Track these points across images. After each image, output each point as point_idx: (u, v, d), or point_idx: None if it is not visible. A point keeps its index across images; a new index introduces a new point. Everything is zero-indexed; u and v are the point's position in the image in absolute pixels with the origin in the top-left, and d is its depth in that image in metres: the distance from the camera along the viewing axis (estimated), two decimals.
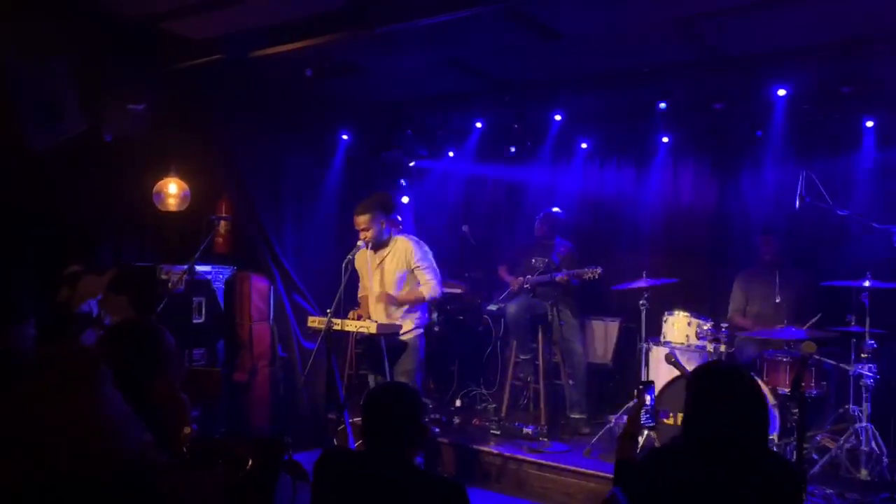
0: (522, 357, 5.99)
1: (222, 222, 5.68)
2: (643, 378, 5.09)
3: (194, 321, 5.23)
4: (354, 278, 4.84)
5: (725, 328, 4.93)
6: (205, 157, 5.65)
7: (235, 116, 5.68)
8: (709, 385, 2.12)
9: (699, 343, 4.97)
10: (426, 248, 4.70)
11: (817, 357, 4.45)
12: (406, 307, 4.57)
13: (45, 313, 4.11)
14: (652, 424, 2.75)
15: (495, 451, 5.02)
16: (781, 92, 5.26)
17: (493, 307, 6.30)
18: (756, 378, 2.19)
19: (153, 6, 4.54)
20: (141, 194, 5.36)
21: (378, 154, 7.13)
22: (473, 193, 7.55)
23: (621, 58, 5.21)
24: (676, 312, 5.14)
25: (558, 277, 5.62)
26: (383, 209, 4.58)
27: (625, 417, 5.01)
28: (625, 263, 5.81)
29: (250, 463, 2.34)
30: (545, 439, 5.17)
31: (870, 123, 5.42)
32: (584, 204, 6.85)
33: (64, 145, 4.73)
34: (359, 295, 4.90)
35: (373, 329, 4.34)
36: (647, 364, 5.13)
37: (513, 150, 6.96)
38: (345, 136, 6.63)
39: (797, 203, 4.61)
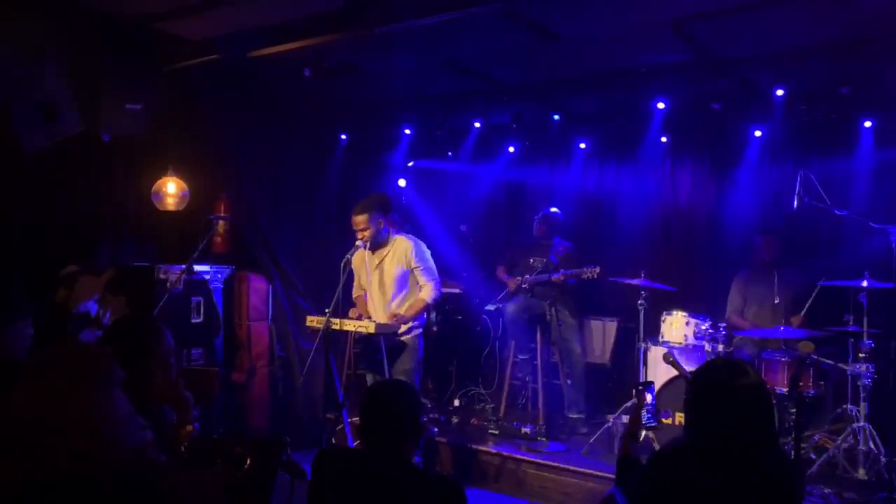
0: (521, 357, 6.00)
1: (221, 222, 5.68)
2: (641, 378, 5.10)
3: (193, 321, 5.23)
4: (353, 278, 4.84)
5: (723, 328, 4.94)
6: (203, 157, 5.65)
7: (234, 116, 5.68)
8: (714, 381, 2.08)
9: (697, 343, 4.98)
10: (425, 248, 4.71)
11: (815, 357, 4.45)
12: (412, 314, 4.56)
13: (43, 313, 4.09)
14: (654, 424, 2.73)
15: (493, 451, 5.02)
16: (779, 92, 5.26)
17: (491, 307, 6.31)
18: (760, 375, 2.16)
19: (151, 6, 4.53)
20: (139, 194, 5.36)
21: (376, 154, 7.13)
22: (472, 193, 7.55)
23: (619, 58, 5.21)
24: (675, 312, 5.15)
25: (556, 277, 5.63)
26: (381, 209, 4.58)
27: (623, 417, 5.03)
28: (623, 263, 5.80)
29: (249, 462, 2.34)
30: (543, 439, 5.17)
31: (868, 124, 5.42)
32: (582, 204, 6.85)
33: (61, 145, 4.72)
34: (354, 295, 4.90)
35: (371, 329, 4.34)
36: (645, 364, 5.14)
37: (511, 150, 6.96)
38: (343, 136, 6.63)
39: (795, 203, 4.62)
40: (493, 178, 7.39)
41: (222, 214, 5.71)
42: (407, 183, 7.51)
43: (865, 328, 4.51)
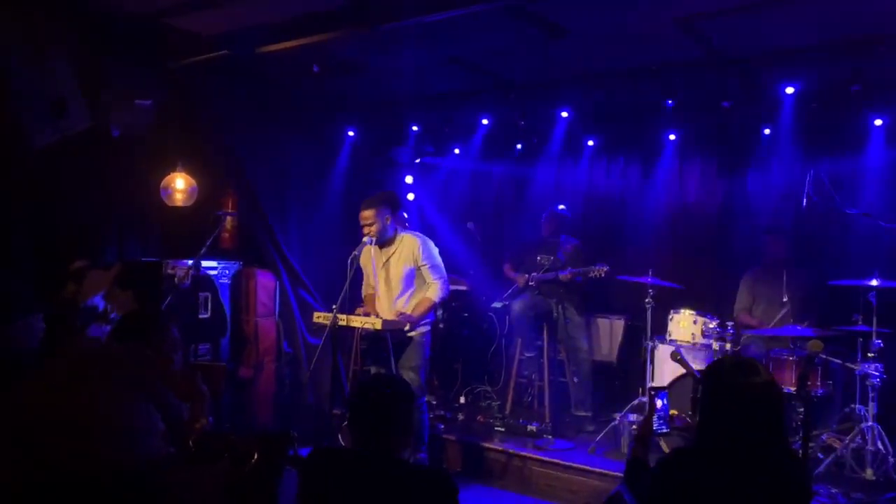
0: (527, 354, 5.99)
1: (228, 218, 5.69)
2: (648, 377, 5.09)
3: (200, 316, 5.25)
4: (360, 274, 4.84)
5: (731, 326, 4.92)
6: (211, 153, 5.67)
7: (241, 112, 5.70)
8: (723, 380, 2.06)
9: (705, 341, 4.96)
10: (432, 245, 4.70)
11: (823, 356, 4.43)
12: (420, 313, 4.55)
13: (52, 308, 4.11)
14: (666, 431, 2.70)
15: (500, 448, 5.02)
16: (789, 90, 5.23)
17: (497, 304, 6.30)
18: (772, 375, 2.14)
19: (159, 2, 4.55)
20: (148, 190, 5.38)
21: (384, 151, 7.13)
22: (479, 190, 7.54)
23: (628, 55, 5.19)
24: (682, 311, 5.13)
25: (563, 275, 5.62)
26: (389, 206, 4.58)
27: (630, 416, 5.02)
28: (631, 261, 5.79)
29: (255, 457, 2.35)
30: (549, 437, 5.17)
31: (878, 122, 5.39)
32: (590, 202, 6.83)
33: (70, 141, 4.74)
34: (363, 293, 4.91)
35: (378, 325, 4.34)
36: (652, 362, 5.13)
37: (519, 147, 6.95)
38: (350, 133, 6.63)
39: (804, 202, 4.59)
40: (501, 176, 7.38)
41: (230, 210, 5.72)
42: (414, 180, 7.50)
43: (875, 328, 4.49)
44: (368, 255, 4.73)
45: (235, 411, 5.48)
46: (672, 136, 6.25)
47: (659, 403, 2.68)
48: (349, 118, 6.60)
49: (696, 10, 4.31)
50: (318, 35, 4.69)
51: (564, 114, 6.18)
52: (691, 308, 5.12)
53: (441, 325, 6.59)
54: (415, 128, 6.89)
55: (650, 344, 5.15)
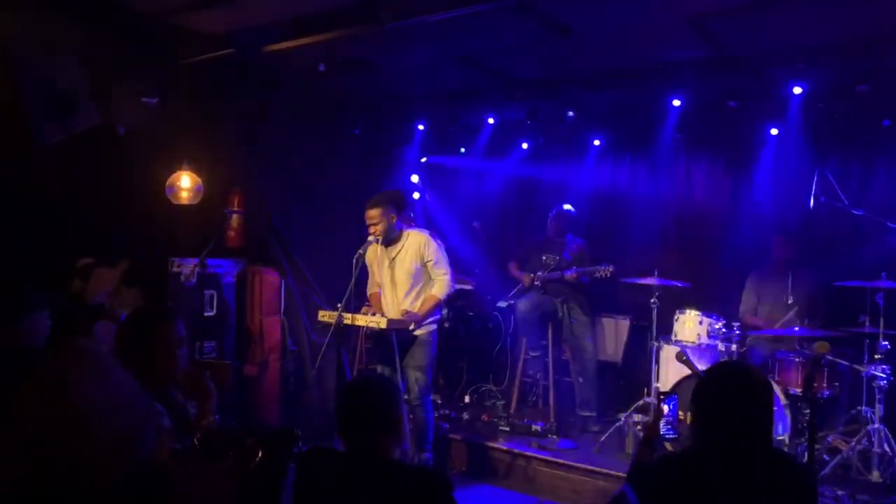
0: (532, 354, 5.99)
1: (234, 216, 5.70)
2: (653, 377, 5.08)
3: (205, 314, 5.26)
4: (365, 273, 4.84)
5: (737, 327, 4.91)
6: (217, 151, 5.67)
7: (248, 111, 5.70)
8: (720, 387, 2.05)
9: (710, 342, 4.94)
10: (439, 242, 4.69)
11: (830, 357, 4.41)
12: (425, 312, 4.54)
13: (59, 305, 4.13)
14: (673, 436, 2.67)
15: (504, 448, 5.02)
16: (797, 90, 5.21)
17: (503, 304, 6.30)
18: (768, 379, 2.12)
19: (166, 1, 4.56)
20: (154, 187, 5.38)
21: (389, 149, 7.13)
22: (485, 189, 7.54)
23: (635, 54, 5.19)
24: (688, 311, 5.11)
25: (569, 275, 5.61)
26: (395, 205, 4.58)
27: (634, 416, 5.01)
28: (636, 261, 5.78)
29: (260, 455, 2.34)
30: (554, 436, 5.16)
31: (886, 122, 5.36)
32: (596, 201, 6.82)
33: (77, 138, 4.76)
34: (368, 291, 4.91)
35: (383, 324, 4.34)
36: (657, 362, 5.11)
37: (525, 146, 6.94)
38: (356, 132, 6.63)
39: (812, 202, 4.57)
40: (507, 175, 7.38)
41: (236, 208, 5.73)
42: (420, 178, 7.51)
43: (882, 329, 4.47)
44: (374, 254, 4.72)
45: (240, 409, 5.49)
46: (679, 136, 6.23)
47: (666, 408, 2.66)
48: (356, 116, 6.60)
49: (705, 8, 4.30)
50: (325, 34, 4.70)
51: (570, 113, 6.17)
52: (697, 308, 5.11)
53: (446, 324, 6.59)
54: (421, 126, 6.89)
55: (655, 344, 5.14)
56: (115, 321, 4.50)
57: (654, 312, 5.15)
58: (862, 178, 5.50)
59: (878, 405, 4.41)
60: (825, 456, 4.51)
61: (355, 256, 4.39)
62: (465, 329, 6.77)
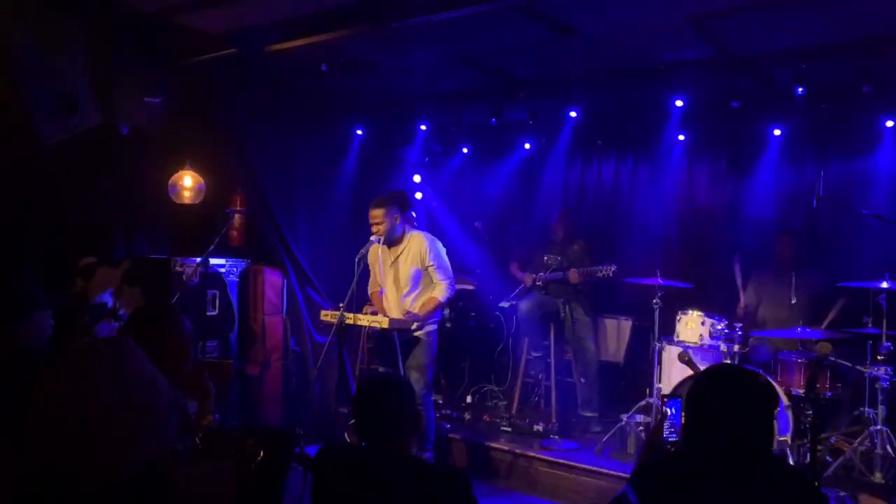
0: (534, 354, 5.99)
1: (236, 216, 5.71)
2: (655, 378, 5.07)
3: (208, 314, 5.27)
4: (367, 273, 4.85)
5: (739, 328, 4.90)
6: (220, 151, 5.68)
7: (250, 110, 5.71)
8: (711, 390, 1.99)
9: (713, 342, 4.93)
10: (440, 246, 4.70)
11: (832, 358, 4.40)
12: (426, 312, 4.56)
13: (62, 304, 4.14)
14: (677, 440, 2.65)
15: (506, 448, 5.02)
16: (800, 90, 5.20)
17: (505, 304, 6.30)
18: (768, 380, 2.07)
19: (169, 0, 4.56)
20: (156, 187, 5.40)
21: (392, 149, 7.14)
22: (487, 189, 7.54)
23: (637, 55, 5.18)
24: (690, 312, 5.10)
25: (571, 275, 5.60)
26: (399, 206, 4.59)
27: (636, 417, 5.01)
28: (638, 262, 5.77)
29: (262, 454, 2.35)
30: (556, 437, 5.16)
31: (889, 123, 5.35)
32: (598, 201, 6.81)
33: (79, 138, 4.77)
34: (369, 291, 4.91)
35: (385, 324, 4.35)
36: (659, 363, 5.10)
37: (527, 146, 6.93)
38: (359, 132, 6.64)
39: (815, 203, 4.56)
40: (509, 174, 7.37)
41: (238, 208, 5.74)
42: (422, 178, 7.51)
43: (884, 330, 4.45)
44: (376, 254, 4.73)
45: (242, 408, 5.49)
46: (681, 136, 6.23)
47: (670, 411, 2.64)
48: (358, 117, 6.61)
49: (707, 9, 4.29)
50: (328, 33, 4.70)
51: (573, 113, 6.16)
52: (699, 309, 5.09)
53: (448, 325, 6.59)
54: (423, 126, 6.89)
55: (658, 345, 5.13)
56: (117, 320, 4.51)
57: (657, 313, 5.14)
58: (865, 178, 5.48)
59: (880, 406, 4.39)
60: (828, 457, 4.50)
61: (357, 256, 4.39)
62: (466, 329, 6.77)
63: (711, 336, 4.95)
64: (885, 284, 4.45)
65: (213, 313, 5.32)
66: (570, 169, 6.97)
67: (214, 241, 4.98)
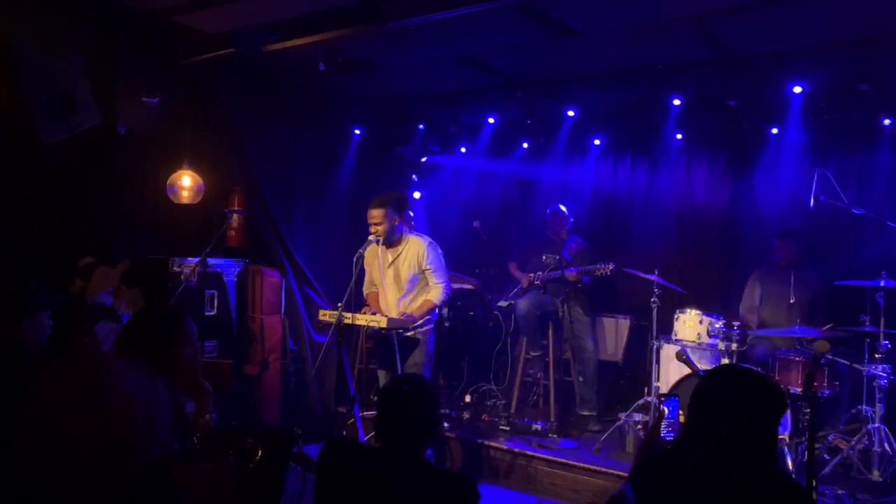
0: (532, 353, 5.99)
1: (235, 216, 5.71)
2: (654, 377, 5.08)
3: (206, 314, 5.27)
4: (363, 272, 4.85)
5: (737, 327, 4.91)
6: (218, 151, 5.68)
7: (248, 110, 5.71)
8: (718, 390, 1.99)
9: (711, 341, 4.95)
10: (438, 250, 4.72)
11: (830, 357, 4.42)
12: (421, 314, 4.58)
13: (61, 305, 4.14)
14: (674, 438, 2.66)
15: (505, 447, 5.02)
16: (797, 89, 5.21)
17: (503, 303, 6.30)
18: (777, 386, 2.04)
19: (168, 0, 4.56)
20: (154, 187, 5.40)
21: (390, 149, 7.14)
22: (485, 189, 7.54)
23: (635, 54, 5.18)
24: (688, 310, 5.11)
25: (569, 274, 5.61)
26: (397, 207, 4.60)
27: (634, 415, 5.02)
28: (637, 260, 5.78)
29: (260, 454, 2.35)
30: (554, 436, 5.16)
31: (887, 122, 5.36)
32: (596, 200, 6.82)
33: (78, 138, 4.77)
34: (364, 291, 4.91)
35: (384, 324, 4.36)
36: (657, 362, 5.12)
37: (525, 146, 6.94)
38: (357, 131, 6.64)
39: (812, 202, 4.57)
40: (507, 174, 7.38)
41: (236, 208, 5.74)
42: (420, 178, 7.51)
43: (882, 328, 4.47)
44: (374, 254, 4.74)
45: (241, 408, 5.49)
46: (679, 135, 6.24)
47: (667, 410, 2.64)
48: (356, 116, 6.61)
49: (706, 8, 4.29)
50: (326, 33, 4.70)
51: (571, 112, 6.17)
52: (697, 308, 5.11)
53: (447, 324, 6.60)
54: (421, 126, 6.89)
55: (656, 343, 5.14)
56: (115, 321, 4.51)
57: (655, 312, 5.15)
58: (862, 177, 5.49)
59: (878, 404, 4.41)
60: (826, 455, 4.52)
61: (355, 256, 4.40)
62: (465, 329, 6.77)
63: (709, 335, 4.97)
64: (882, 283, 4.46)
65: (212, 313, 5.32)
66: (568, 168, 6.97)
67: (213, 242, 4.98)
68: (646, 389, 5.20)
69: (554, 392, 5.51)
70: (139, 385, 1.77)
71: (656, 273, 5.18)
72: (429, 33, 4.72)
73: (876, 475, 4.30)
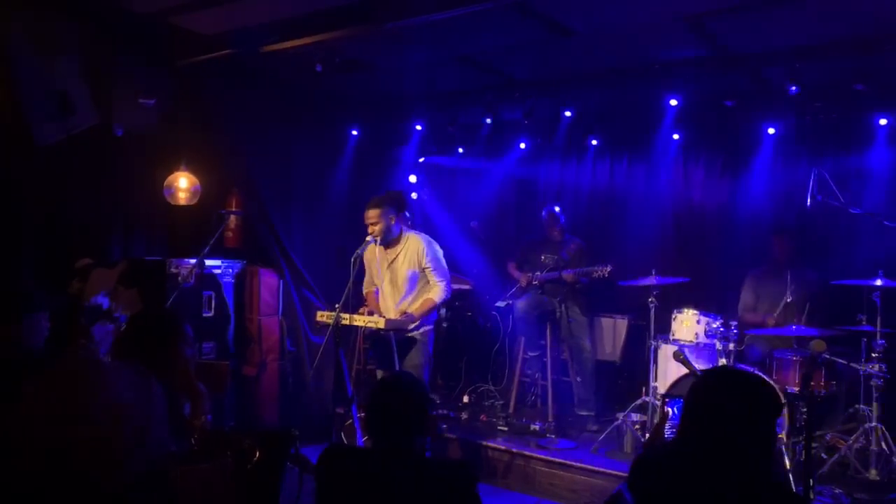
0: (530, 354, 6.00)
1: (232, 217, 5.70)
2: (651, 376, 5.08)
3: (204, 315, 5.26)
4: (362, 273, 4.85)
5: (735, 326, 4.91)
6: (215, 152, 5.68)
7: (246, 111, 5.71)
8: (713, 390, 1.98)
9: (708, 341, 4.95)
10: (437, 247, 4.70)
11: (827, 356, 4.42)
12: (421, 313, 4.56)
13: (58, 306, 4.13)
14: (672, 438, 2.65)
15: (503, 448, 5.03)
16: (794, 89, 5.21)
17: (501, 304, 6.30)
18: (773, 388, 2.02)
19: (165, 1, 4.56)
20: (151, 188, 5.39)
21: (387, 150, 7.14)
22: (483, 189, 7.54)
23: (632, 54, 5.19)
24: (685, 310, 5.12)
25: (566, 274, 5.61)
26: (395, 206, 4.59)
27: (632, 415, 5.02)
28: (634, 261, 5.79)
29: (258, 455, 2.36)
30: (553, 436, 5.17)
31: (883, 121, 5.37)
32: (593, 201, 6.83)
33: (75, 139, 4.76)
34: (364, 290, 4.91)
35: (382, 324, 4.35)
36: (655, 362, 5.12)
37: (523, 146, 6.94)
38: (354, 132, 6.64)
39: (809, 201, 4.58)
40: (504, 174, 7.38)
41: (234, 209, 5.74)
42: (418, 179, 7.51)
43: (879, 328, 4.47)
44: (373, 254, 4.73)
45: (239, 409, 5.49)
46: (676, 136, 6.24)
47: (671, 411, 2.64)
48: (353, 117, 6.61)
49: (702, 8, 4.30)
50: (323, 34, 4.70)
51: (568, 113, 6.17)
52: (695, 308, 5.11)
53: (445, 324, 6.60)
54: (419, 127, 6.90)
55: (653, 343, 5.15)
56: (113, 322, 4.50)
57: (652, 312, 5.15)
58: (859, 176, 5.50)
59: (875, 403, 4.41)
60: (823, 454, 4.52)
61: (353, 257, 4.40)
62: (463, 329, 6.78)
63: (707, 334, 4.97)
64: (879, 282, 4.47)
65: (209, 315, 5.31)
66: (566, 168, 6.98)
67: (210, 243, 4.98)
68: (644, 389, 5.20)
69: (552, 392, 5.51)
70: (134, 388, 1.77)
71: (653, 273, 5.18)
72: (426, 34, 4.72)
73: (873, 474, 4.30)
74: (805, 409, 4.23)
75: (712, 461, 1.89)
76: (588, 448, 4.97)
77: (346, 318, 4.34)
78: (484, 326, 6.70)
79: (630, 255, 6.09)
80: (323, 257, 6.24)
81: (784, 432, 4.39)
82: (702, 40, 4.80)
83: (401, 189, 6.72)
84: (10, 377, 2.29)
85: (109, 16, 4.73)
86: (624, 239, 6.54)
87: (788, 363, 4.65)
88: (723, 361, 4.77)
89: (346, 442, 4.77)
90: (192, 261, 5.04)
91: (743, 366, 4.69)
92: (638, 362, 6.05)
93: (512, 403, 5.88)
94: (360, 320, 4.42)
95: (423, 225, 7.04)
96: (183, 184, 5.39)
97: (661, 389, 4.85)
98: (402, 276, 4.62)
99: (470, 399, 6.29)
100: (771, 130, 5.77)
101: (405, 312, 4.56)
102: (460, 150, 7.27)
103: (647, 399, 5.00)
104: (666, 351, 5.04)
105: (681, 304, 5.19)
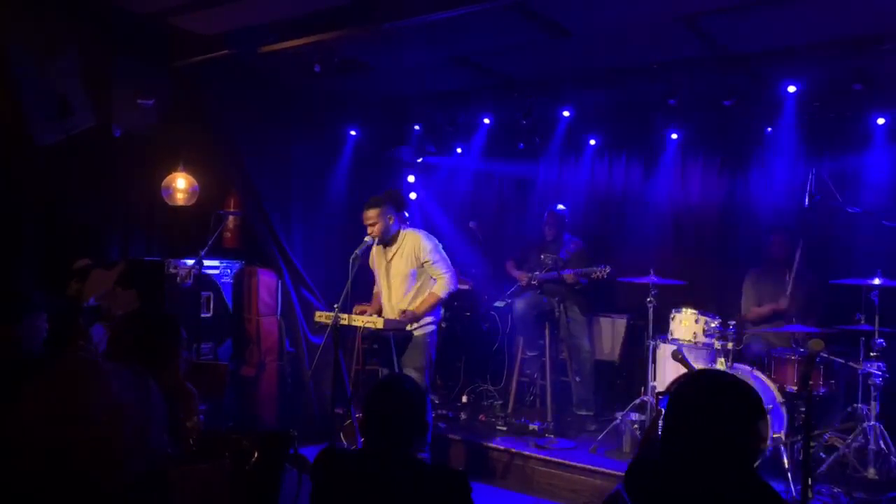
0: (529, 353, 6.00)
1: (230, 217, 5.70)
2: (650, 376, 5.09)
3: (202, 315, 5.26)
4: (361, 273, 4.84)
5: (733, 325, 4.92)
6: (213, 152, 5.68)
7: (244, 111, 5.70)
8: (686, 394, 1.97)
9: (707, 340, 4.95)
10: (435, 240, 4.64)
11: (825, 355, 4.43)
12: (424, 310, 4.50)
13: (56, 307, 4.13)
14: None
15: (502, 447, 5.03)
16: (791, 88, 5.22)
17: (500, 303, 6.30)
18: (751, 389, 2.03)
19: (163, 2, 4.56)
20: (150, 189, 5.39)
21: (386, 150, 7.14)
22: (481, 189, 7.55)
23: (630, 54, 5.19)
24: (684, 310, 5.12)
25: (565, 274, 5.61)
26: (393, 205, 4.57)
27: (631, 415, 5.02)
28: (632, 260, 5.79)
29: (256, 455, 2.35)
30: (551, 436, 5.17)
31: (881, 121, 5.38)
32: (592, 200, 6.83)
33: (73, 140, 4.76)
34: (375, 290, 4.88)
35: (380, 325, 4.33)
36: (654, 361, 5.12)
37: (521, 146, 6.95)
38: (352, 132, 6.64)
39: (807, 201, 4.58)
40: (503, 174, 7.39)
41: (232, 209, 5.73)
42: (416, 179, 7.51)
43: (877, 327, 4.48)
44: (375, 255, 4.72)
45: (238, 410, 5.49)
46: (674, 135, 6.25)
47: (664, 410, 2.64)
48: (351, 117, 6.60)
49: (700, 8, 4.31)
50: (321, 34, 4.69)
51: (566, 112, 6.18)
52: (693, 307, 5.12)
53: (443, 325, 6.58)
54: (417, 127, 6.90)
55: (652, 343, 5.15)
56: (111, 323, 4.50)
57: (651, 311, 5.15)
58: (857, 176, 5.51)
59: (873, 402, 4.42)
60: (821, 453, 4.53)
61: (351, 257, 4.39)
62: (462, 329, 6.78)
63: (705, 334, 4.97)
64: (877, 281, 4.47)
65: (208, 315, 5.31)
66: (564, 168, 6.98)
67: (208, 243, 4.98)
68: (642, 389, 5.20)
69: (551, 392, 5.52)
70: (133, 389, 1.77)
71: (652, 272, 5.18)
72: (424, 34, 4.72)
73: (872, 473, 4.30)
74: (803, 409, 4.23)
75: (698, 463, 1.89)
76: (587, 448, 4.97)
77: (344, 319, 4.32)
78: (483, 326, 6.71)
79: (628, 254, 6.10)
80: (322, 257, 6.24)
81: (782, 431, 4.39)
82: (700, 40, 4.81)
83: (396, 187, 6.73)
84: (9, 378, 2.29)
85: (108, 16, 4.73)
86: (622, 239, 6.55)
87: (787, 362, 4.65)
88: (721, 360, 4.77)
89: (345, 442, 4.76)
90: (191, 261, 5.04)
91: (741, 365, 4.70)
92: (637, 362, 6.06)
93: (511, 403, 5.88)
94: (358, 320, 4.41)
95: (422, 225, 7.04)
96: (181, 184, 5.39)
97: (660, 389, 4.85)
98: (400, 274, 4.58)
99: (469, 399, 6.29)
100: (769, 129, 5.78)
101: (404, 311, 4.52)
102: (458, 149, 7.27)
103: (646, 399, 5.01)
104: (664, 350, 5.04)
105: (679, 303, 5.19)
